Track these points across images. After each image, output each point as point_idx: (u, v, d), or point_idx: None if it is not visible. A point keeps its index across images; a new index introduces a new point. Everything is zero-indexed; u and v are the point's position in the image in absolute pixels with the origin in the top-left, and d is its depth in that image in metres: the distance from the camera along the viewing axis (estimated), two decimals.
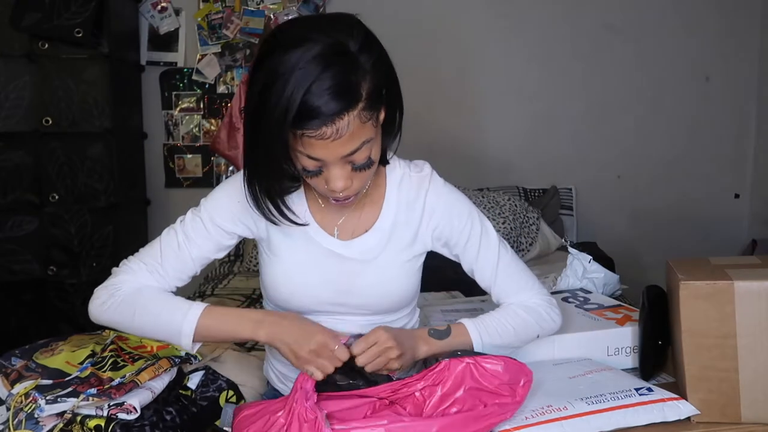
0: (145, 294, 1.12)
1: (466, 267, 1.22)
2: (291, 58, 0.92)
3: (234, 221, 1.15)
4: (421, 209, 1.17)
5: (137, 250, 1.19)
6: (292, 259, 1.16)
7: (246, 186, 1.07)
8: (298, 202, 1.15)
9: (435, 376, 1.05)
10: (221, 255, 1.20)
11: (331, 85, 0.92)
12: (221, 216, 1.15)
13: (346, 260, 1.16)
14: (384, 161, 1.14)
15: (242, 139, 1.10)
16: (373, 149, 1.02)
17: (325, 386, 1.06)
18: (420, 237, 1.18)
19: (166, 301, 1.12)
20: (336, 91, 0.92)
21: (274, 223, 1.10)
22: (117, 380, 1.11)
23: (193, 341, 1.10)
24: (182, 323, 1.09)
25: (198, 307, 1.10)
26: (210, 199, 1.17)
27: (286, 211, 1.09)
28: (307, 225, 1.14)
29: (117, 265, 1.17)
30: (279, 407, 1.03)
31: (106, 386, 1.10)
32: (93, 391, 1.08)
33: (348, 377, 1.07)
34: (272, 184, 1.06)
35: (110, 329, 1.20)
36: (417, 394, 1.05)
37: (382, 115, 1.03)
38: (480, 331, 1.17)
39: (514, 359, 1.09)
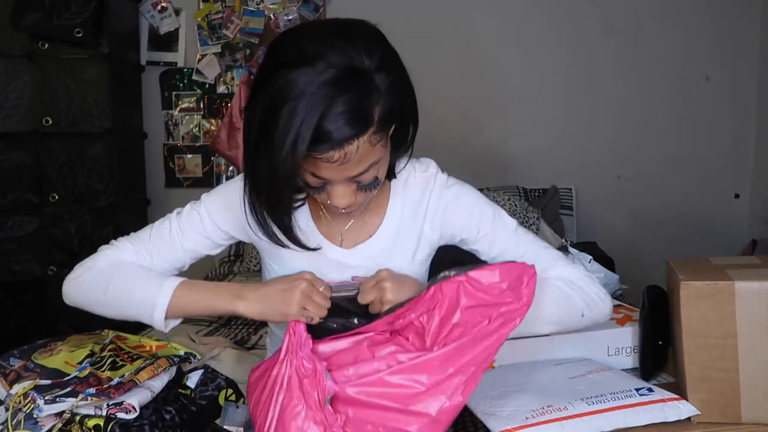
0: (123, 268, 1.07)
1: (486, 258, 1.15)
2: (302, 79, 0.86)
3: (233, 224, 1.13)
4: (424, 210, 1.14)
5: None
6: (294, 268, 1.10)
7: (248, 210, 1.01)
8: (301, 210, 1.12)
9: (427, 302, 0.98)
10: (214, 252, 1.17)
11: (343, 111, 0.86)
12: (220, 216, 1.12)
13: (350, 269, 1.12)
14: (391, 176, 1.10)
15: (241, 159, 1.05)
16: (380, 170, 0.99)
17: (321, 332, 1.01)
18: (425, 237, 1.15)
19: (143, 275, 1.07)
20: (348, 117, 0.87)
21: (283, 246, 1.06)
22: (116, 380, 1.11)
23: (167, 317, 1.05)
24: (157, 295, 1.03)
25: (174, 280, 1.05)
26: (212, 195, 1.14)
27: (296, 235, 1.04)
28: (319, 249, 1.09)
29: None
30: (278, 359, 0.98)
31: (105, 386, 1.09)
32: (92, 390, 1.08)
33: (342, 318, 1.03)
34: (276, 207, 1.00)
35: (82, 310, 1.14)
36: (416, 322, 0.98)
37: (391, 132, 0.99)
38: None
39: (511, 261, 1.00)
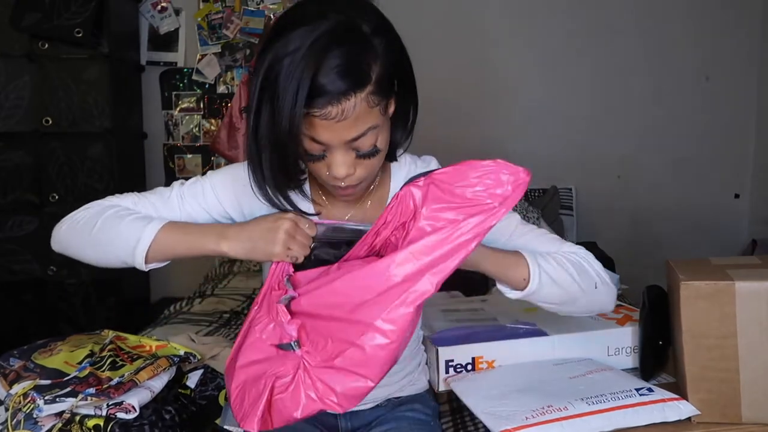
0: (115, 209, 1.05)
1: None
2: (299, 36, 0.88)
3: (232, 203, 1.10)
4: None
5: None
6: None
7: (251, 173, 1.00)
8: (302, 200, 1.12)
9: (392, 212, 0.93)
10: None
11: (339, 64, 0.88)
12: (222, 191, 1.10)
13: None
14: (392, 157, 1.10)
15: (244, 135, 1.04)
16: (379, 137, 0.97)
17: (309, 264, 1.00)
18: None
19: (133, 216, 1.04)
20: (344, 69, 0.88)
21: (282, 210, 1.04)
22: (115, 380, 1.11)
23: (149, 258, 1.01)
24: (142, 231, 1.00)
25: (162, 220, 1.03)
26: (218, 172, 1.13)
27: (294, 198, 1.04)
28: (318, 214, 1.08)
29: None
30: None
31: (105, 386, 1.10)
32: (91, 390, 1.08)
33: (334, 249, 1.00)
34: (279, 167, 0.99)
35: (66, 256, 1.11)
36: (392, 239, 0.94)
37: (392, 108, 1.00)
38: (538, 259, 1.03)
39: (494, 162, 0.91)
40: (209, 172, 1.13)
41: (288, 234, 0.97)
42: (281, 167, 0.98)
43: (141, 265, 1.03)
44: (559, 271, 1.05)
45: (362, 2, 0.96)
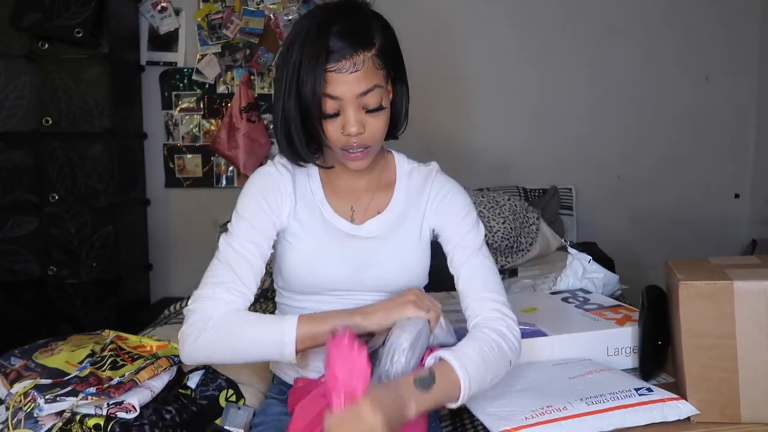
0: (240, 315, 1.11)
1: (447, 247, 1.23)
2: (314, 13, 1.12)
3: (268, 214, 1.19)
4: (426, 197, 1.25)
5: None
6: (311, 242, 1.21)
7: (279, 128, 1.15)
8: (315, 187, 1.23)
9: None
10: (271, 249, 1.20)
11: (348, 28, 1.08)
12: (257, 210, 1.18)
13: (362, 240, 1.22)
14: (393, 136, 1.24)
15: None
16: (383, 98, 1.12)
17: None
18: (426, 221, 1.25)
19: (259, 318, 1.11)
20: (353, 31, 1.08)
21: (301, 162, 1.20)
22: (116, 379, 1.11)
23: (298, 350, 1.08)
24: (283, 332, 1.07)
25: (292, 317, 1.09)
26: (243, 201, 1.20)
27: (311, 148, 1.18)
28: (333, 167, 1.23)
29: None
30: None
31: (105, 385, 1.10)
32: (92, 390, 1.09)
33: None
34: (306, 129, 1.13)
35: (209, 365, 1.21)
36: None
37: (391, 93, 1.16)
38: (466, 366, 1.04)
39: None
40: (234, 213, 1.20)
41: (416, 295, 1.10)
42: (303, 125, 1.13)
43: (293, 361, 1.10)
44: (482, 369, 1.06)
45: (361, 2, 1.17)
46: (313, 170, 1.25)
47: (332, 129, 1.12)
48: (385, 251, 1.22)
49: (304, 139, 1.15)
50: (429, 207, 1.25)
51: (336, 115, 1.11)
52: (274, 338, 1.07)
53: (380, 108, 1.12)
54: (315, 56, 1.07)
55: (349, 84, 1.08)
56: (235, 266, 1.14)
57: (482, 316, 1.16)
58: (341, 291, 1.22)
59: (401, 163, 1.30)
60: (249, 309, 1.16)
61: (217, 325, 1.08)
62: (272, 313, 1.35)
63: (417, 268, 1.25)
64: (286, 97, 1.11)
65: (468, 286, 1.19)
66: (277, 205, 1.20)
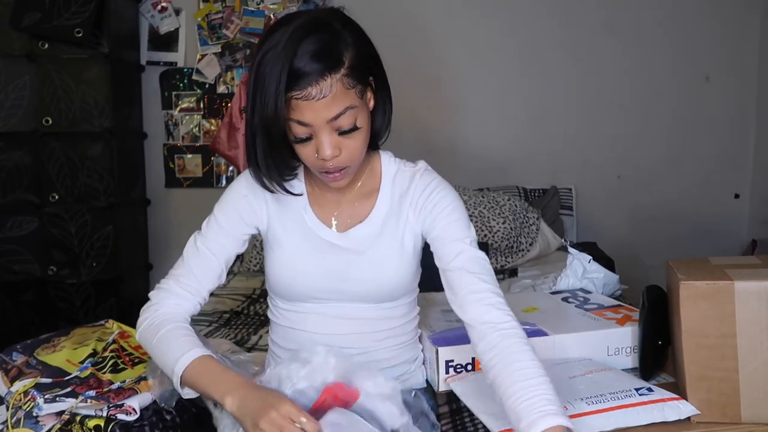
0: (166, 326, 1.13)
1: (435, 243, 1.17)
2: (279, 34, 1.02)
3: (241, 217, 1.20)
4: (409, 201, 1.20)
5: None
6: (292, 249, 1.20)
7: (249, 161, 1.12)
8: (298, 190, 1.20)
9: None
10: (242, 250, 1.23)
11: (313, 49, 1.01)
12: (230, 212, 1.20)
13: (343, 250, 1.19)
14: (374, 146, 1.21)
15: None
16: (358, 117, 1.06)
17: None
18: (410, 227, 1.20)
19: (175, 339, 1.12)
20: (318, 53, 1.01)
21: (270, 191, 1.16)
22: (116, 384, 1.11)
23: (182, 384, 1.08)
24: (174, 365, 1.08)
25: (192, 355, 1.08)
26: (220, 201, 1.24)
27: (284, 180, 1.15)
28: (301, 195, 1.20)
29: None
30: None
31: (105, 389, 1.10)
32: (92, 393, 1.09)
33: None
34: (270, 151, 1.09)
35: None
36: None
37: (371, 101, 1.11)
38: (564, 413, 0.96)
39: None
40: (215, 206, 1.23)
41: (272, 422, 0.96)
42: (271, 151, 1.09)
43: (181, 394, 1.10)
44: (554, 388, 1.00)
45: (332, 9, 1.10)
46: (299, 173, 1.21)
47: (307, 153, 1.08)
48: (366, 261, 1.18)
49: (264, 164, 1.11)
50: (412, 211, 1.19)
51: (309, 138, 1.06)
52: (169, 363, 1.08)
53: (355, 128, 1.07)
54: (276, 80, 1.00)
55: (318, 111, 1.02)
56: (192, 263, 1.18)
57: (498, 322, 1.06)
58: (322, 300, 1.20)
59: (387, 164, 1.23)
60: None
61: (150, 327, 1.14)
62: (265, 327, 1.36)
63: (400, 278, 1.20)
64: (251, 111, 1.06)
65: (462, 280, 1.11)
66: (258, 205, 1.20)
